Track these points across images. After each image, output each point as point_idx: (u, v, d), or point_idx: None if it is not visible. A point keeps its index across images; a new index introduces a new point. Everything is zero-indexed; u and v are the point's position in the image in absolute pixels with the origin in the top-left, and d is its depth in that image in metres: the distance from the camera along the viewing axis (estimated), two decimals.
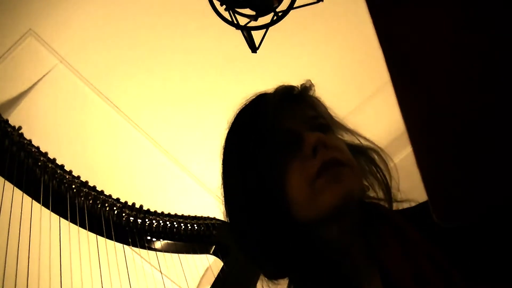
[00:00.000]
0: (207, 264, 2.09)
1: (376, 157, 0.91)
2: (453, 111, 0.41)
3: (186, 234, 1.93)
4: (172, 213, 1.96)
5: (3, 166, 1.56)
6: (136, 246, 1.82)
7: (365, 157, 0.91)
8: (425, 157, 0.44)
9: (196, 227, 1.95)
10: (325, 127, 0.86)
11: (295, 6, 1.82)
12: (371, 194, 0.89)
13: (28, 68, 2.70)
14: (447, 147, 0.42)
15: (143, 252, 1.91)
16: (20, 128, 1.67)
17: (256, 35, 1.89)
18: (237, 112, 0.92)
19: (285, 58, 3.01)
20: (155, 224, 1.88)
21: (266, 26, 1.83)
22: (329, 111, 0.94)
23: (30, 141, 1.68)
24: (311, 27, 2.93)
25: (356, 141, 0.93)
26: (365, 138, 0.92)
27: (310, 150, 0.79)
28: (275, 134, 0.82)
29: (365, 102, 3.25)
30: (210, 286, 1.88)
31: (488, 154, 0.41)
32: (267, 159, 0.81)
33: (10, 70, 2.63)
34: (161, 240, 1.89)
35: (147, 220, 1.87)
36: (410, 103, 0.43)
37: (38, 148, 1.69)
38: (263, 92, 0.92)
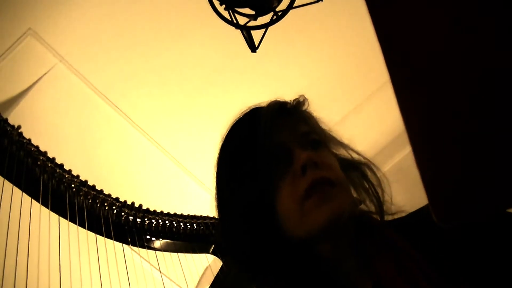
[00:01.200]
0: (207, 264, 2.09)
1: (368, 172, 0.90)
2: (453, 110, 0.41)
3: (185, 234, 1.93)
4: (172, 212, 1.96)
5: (3, 165, 1.56)
6: (136, 245, 1.82)
7: (357, 171, 0.91)
8: (424, 157, 0.44)
9: (195, 226, 1.95)
10: (317, 143, 0.86)
11: (294, 5, 1.82)
12: (364, 207, 0.89)
13: (28, 67, 2.70)
14: (447, 146, 0.42)
15: (143, 251, 1.91)
16: (19, 127, 1.67)
17: (256, 35, 1.90)
18: (231, 126, 0.91)
19: (286, 57, 3.01)
20: (154, 223, 1.88)
21: (265, 26, 1.83)
22: (322, 125, 0.93)
23: (29, 140, 1.68)
24: (311, 26, 2.93)
25: (349, 155, 0.92)
26: (357, 152, 0.92)
27: (300, 168, 0.79)
28: (267, 150, 0.82)
29: (365, 102, 3.25)
30: (209, 285, 1.88)
31: (489, 153, 0.41)
32: (259, 174, 0.81)
33: (10, 69, 2.63)
34: (161, 239, 1.89)
35: (146, 219, 1.87)
36: (410, 103, 0.43)
37: (37, 147, 1.69)
38: (256, 106, 0.92)
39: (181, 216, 1.97)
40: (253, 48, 1.91)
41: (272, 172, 0.81)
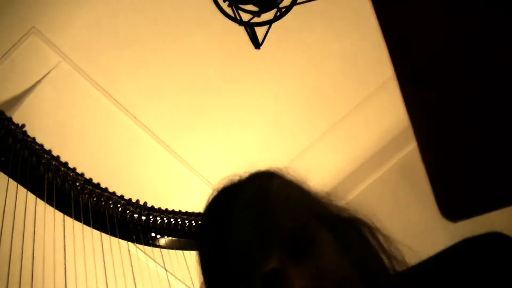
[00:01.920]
0: None
1: (364, 230, 0.84)
2: (453, 109, 0.41)
3: (190, 231, 1.93)
4: (177, 210, 1.96)
5: (7, 164, 1.56)
6: (141, 243, 1.83)
7: (354, 230, 0.84)
8: (429, 153, 0.44)
9: None
10: (307, 242, 0.77)
11: (298, 1, 1.82)
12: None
13: (31, 66, 2.71)
14: (448, 144, 0.42)
15: (148, 249, 1.92)
16: (23, 125, 1.67)
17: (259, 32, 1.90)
18: (205, 217, 0.87)
19: (288, 54, 3.00)
20: (159, 221, 1.88)
21: (269, 22, 1.83)
22: (308, 197, 0.85)
23: (33, 138, 1.68)
24: (315, 23, 2.92)
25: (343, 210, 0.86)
26: (353, 211, 0.85)
27: None
28: (258, 277, 0.75)
29: (368, 98, 3.24)
30: None
31: (489, 153, 0.41)
32: None
33: (13, 68, 2.64)
34: (166, 237, 1.89)
35: (151, 217, 1.87)
36: (412, 100, 0.43)
37: (42, 145, 1.69)
38: (232, 187, 0.84)
39: (186, 213, 1.97)
40: (257, 44, 1.91)
41: None
